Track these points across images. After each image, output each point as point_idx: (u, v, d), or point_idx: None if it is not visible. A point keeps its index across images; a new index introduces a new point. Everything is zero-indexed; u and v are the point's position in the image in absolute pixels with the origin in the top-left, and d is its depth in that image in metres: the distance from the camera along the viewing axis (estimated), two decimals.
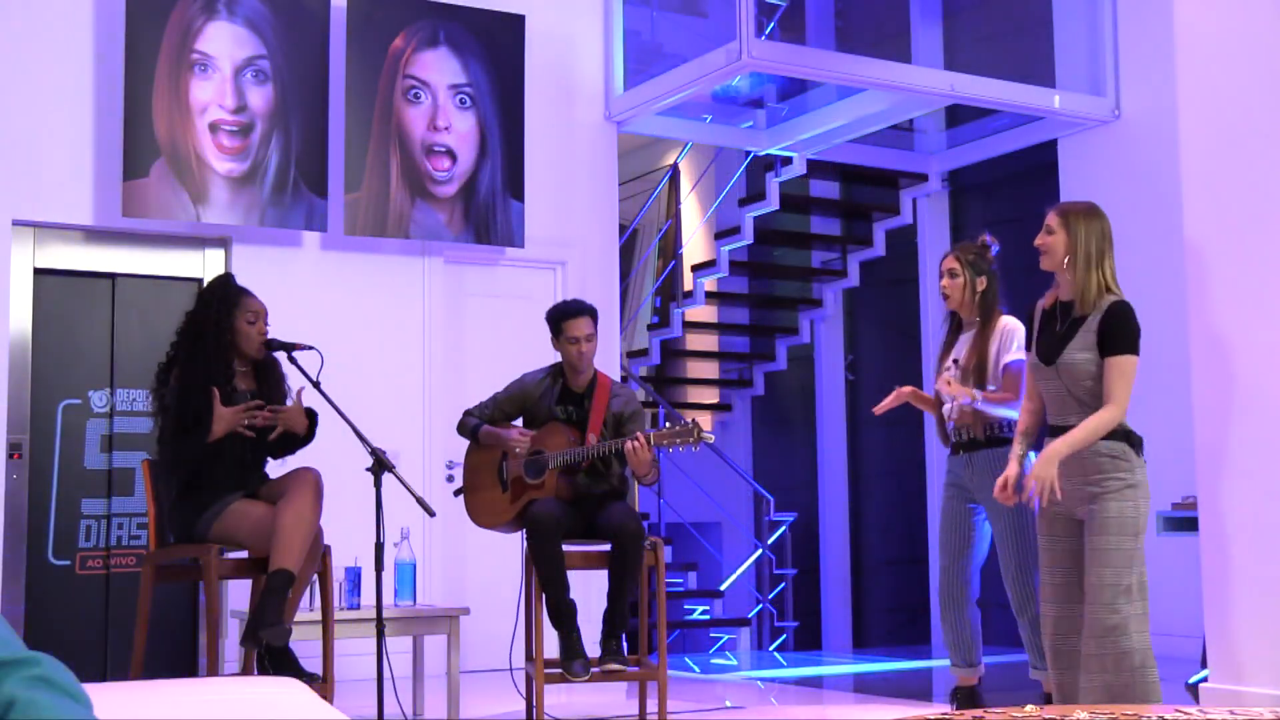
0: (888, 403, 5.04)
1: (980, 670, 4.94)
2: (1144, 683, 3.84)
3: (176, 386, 4.58)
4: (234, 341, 4.68)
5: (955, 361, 4.92)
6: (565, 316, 5.07)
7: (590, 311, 5.11)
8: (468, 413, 5.18)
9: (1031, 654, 4.79)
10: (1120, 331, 3.90)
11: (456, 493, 5.23)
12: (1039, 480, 3.89)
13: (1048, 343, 4.05)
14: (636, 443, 4.74)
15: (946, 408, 4.93)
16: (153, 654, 4.88)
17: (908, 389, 5.05)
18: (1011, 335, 4.80)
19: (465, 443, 5.25)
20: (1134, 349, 3.92)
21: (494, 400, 5.19)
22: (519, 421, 5.18)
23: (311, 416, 4.74)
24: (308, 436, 4.75)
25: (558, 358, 5.21)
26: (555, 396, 5.09)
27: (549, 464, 4.92)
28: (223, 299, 4.72)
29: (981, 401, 4.74)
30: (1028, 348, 4.19)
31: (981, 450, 4.81)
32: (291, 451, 4.80)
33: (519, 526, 5.02)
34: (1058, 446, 3.89)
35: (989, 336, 4.83)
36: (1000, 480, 4.26)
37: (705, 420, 10.01)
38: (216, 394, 4.52)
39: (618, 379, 7.43)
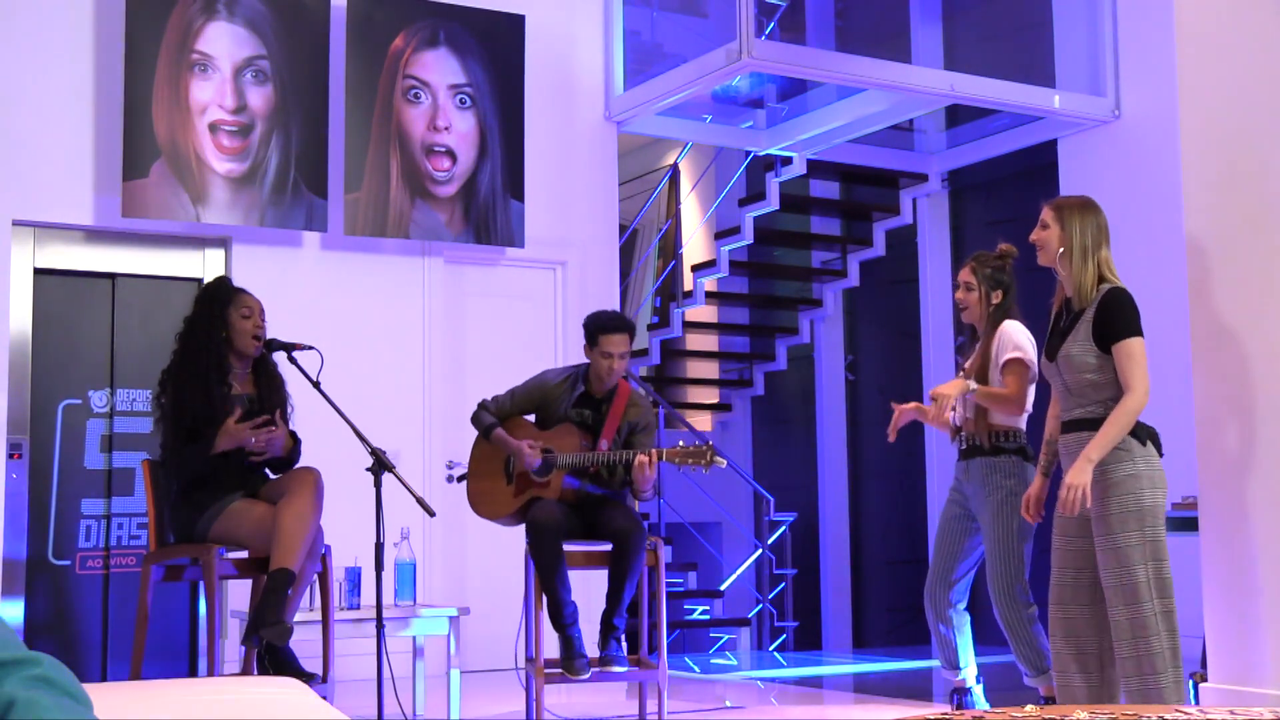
0: (896, 424, 4.93)
1: (973, 670, 4.93)
2: (1172, 684, 3.81)
3: (173, 391, 4.58)
4: (229, 338, 4.68)
5: (964, 371, 4.90)
6: (605, 330, 4.99)
7: (630, 329, 5.04)
8: (483, 406, 5.13)
9: (1021, 663, 4.78)
10: (1119, 317, 3.86)
11: (460, 478, 5.22)
12: (1072, 488, 3.80)
13: (1053, 340, 4.05)
14: (645, 458, 4.74)
15: (954, 413, 4.91)
16: (153, 654, 4.89)
17: (909, 406, 4.94)
18: (1010, 337, 4.77)
19: (466, 440, 5.24)
20: (1136, 331, 3.86)
21: (511, 394, 5.14)
22: (531, 418, 5.15)
23: (296, 441, 4.76)
24: (288, 461, 4.75)
25: (567, 359, 5.19)
26: (573, 399, 5.07)
27: (557, 463, 4.91)
28: (216, 298, 4.73)
29: (973, 393, 4.70)
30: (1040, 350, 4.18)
31: (978, 459, 4.77)
32: (273, 469, 4.80)
33: (518, 521, 5.03)
34: (1090, 452, 3.81)
35: (990, 344, 4.81)
36: (1024, 498, 4.25)
37: (705, 420, 10.02)
38: (234, 414, 4.51)
39: None
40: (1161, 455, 3.94)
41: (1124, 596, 3.82)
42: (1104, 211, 4.07)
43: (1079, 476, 3.80)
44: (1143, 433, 3.89)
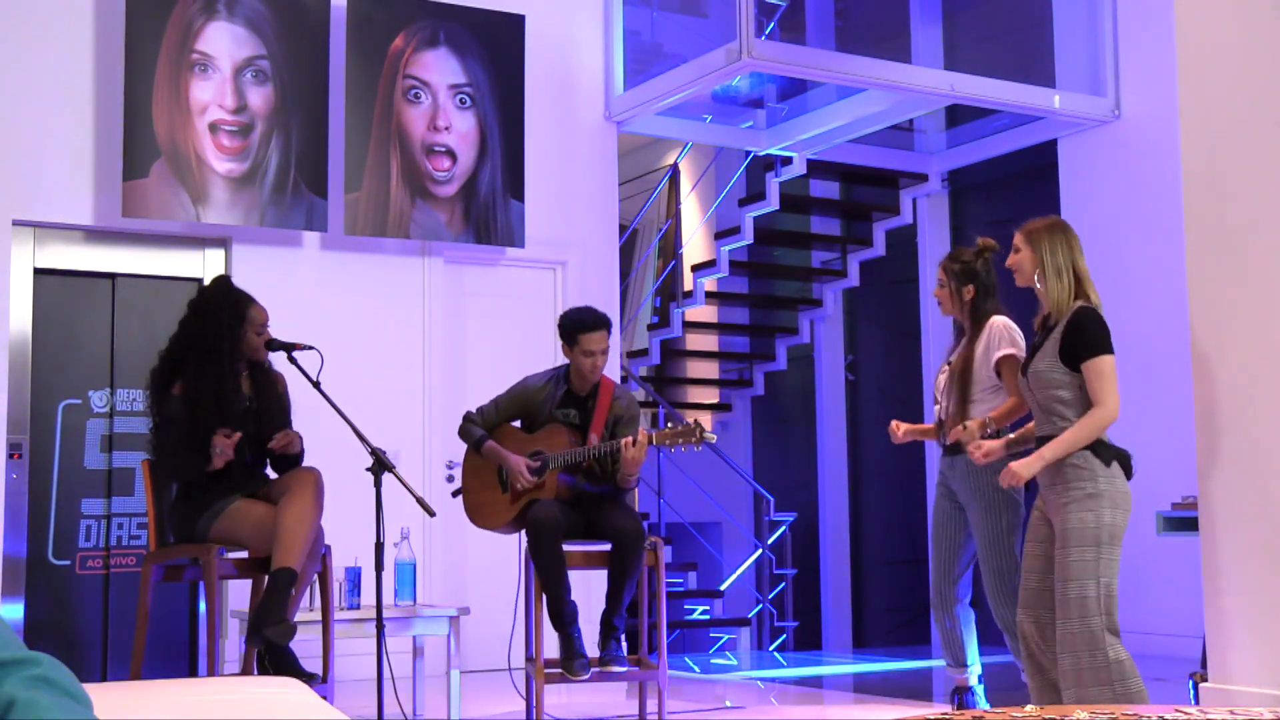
0: (900, 439, 4.94)
1: (976, 670, 4.93)
2: (1126, 694, 3.85)
3: (183, 400, 4.56)
4: (240, 350, 4.68)
5: (949, 364, 4.91)
6: (583, 329, 4.97)
7: (608, 324, 5.02)
8: (469, 418, 5.13)
9: (1019, 659, 4.79)
10: (1087, 337, 3.95)
11: (455, 493, 5.23)
12: (1014, 474, 3.98)
13: (1029, 356, 4.13)
14: (630, 440, 4.74)
15: (939, 407, 4.92)
16: (153, 654, 4.89)
17: (901, 430, 4.92)
18: (1000, 335, 4.77)
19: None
20: (1106, 349, 3.95)
21: (495, 404, 5.14)
22: (518, 423, 5.16)
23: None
24: (296, 459, 4.79)
25: (560, 360, 5.18)
26: (558, 400, 5.06)
27: (549, 464, 4.91)
28: (232, 309, 4.69)
29: (1004, 444, 4.63)
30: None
31: (963, 455, 4.75)
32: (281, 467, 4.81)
33: (518, 527, 5.02)
34: (1045, 451, 3.95)
35: (976, 340, 4.81)
36: (983, 448, 4.28)
37: (705, 420, 10.01)
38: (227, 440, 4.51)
39: (618, 380, 7.43)
40: (1130, 478, 3.98)
41: (1073, 610, 3.88)
42: (1073, 229, 4.18)
43: (1025, 470, 3.97)
44: (1108, 454, 3.95)
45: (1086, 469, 3.92)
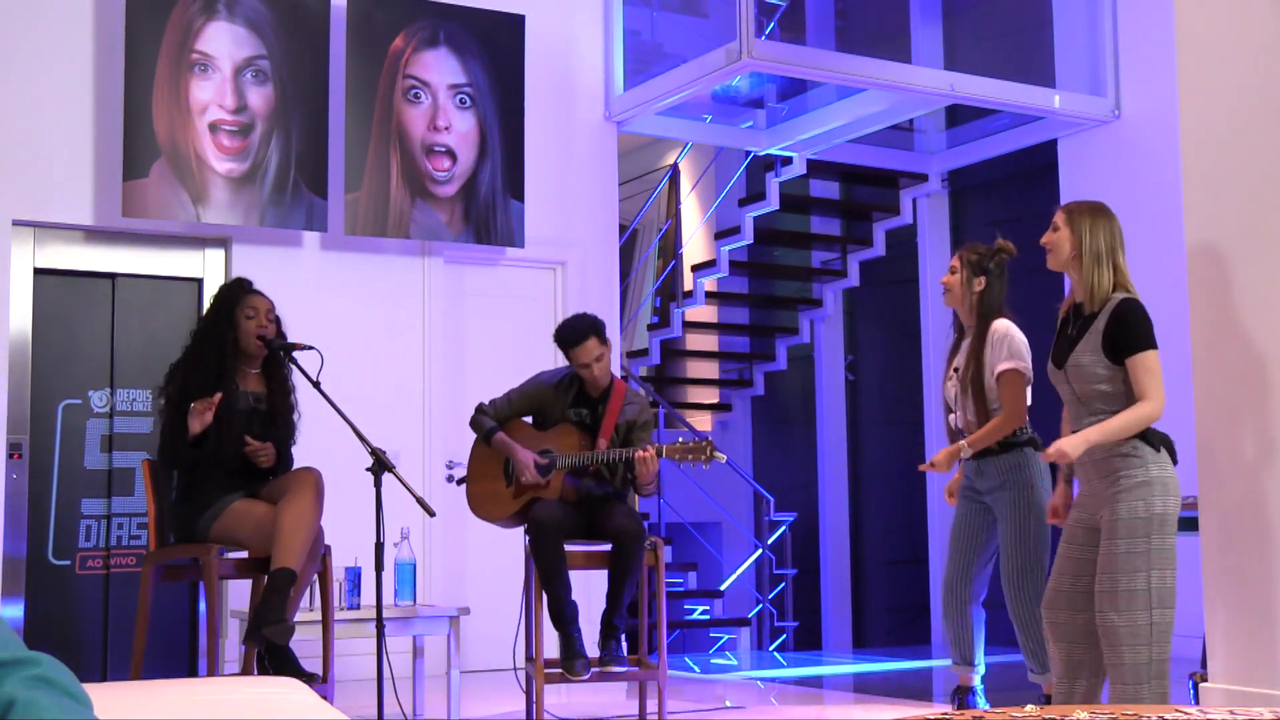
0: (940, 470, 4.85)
1: (980, 669, 4.94)
2: (1152, 697, 3.80)
3: (180, 385, 4.60)
4: (237, 339, 4.69)
5: (956, 370, 4.90)
6: (571, 344, 4.99)
7: (596, 331, 4.99)
8: (481, 409, 5.14)
9: (1028, 658, 4.79)
10: (1132, 331, 3.83)
11: (459, 481, 5.23)
12: (1061, 452, 3.78)
13: (1060, 346, 4.00)
14: (646, 453, 4.75)
15: (953, 416, 4.92)
16: (153, 654, 4.89)
17: (940, 459, 4.78)
18: (1003, 341, 4.75)
19: (466, 440, 5.25)
20: (1151, 343, 3.83)
21: (508, 398, 5.15)
22: (529, 419, 5.16)
23: (282, 457, 4.77)
24: (271, 471, 4.74)
25: (562, 360, 5.19)
26: (570, 399, 5.08)
27: (556, 464, 4.92)
28: (224, 301, 4.74)
29: (969, 450, 4.71)
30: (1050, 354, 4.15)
31: (990, 459, 4.79)
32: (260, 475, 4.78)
33: (518, 522, 5.03)
34: (1091, 434, 3.79)
35: (983, 343, 4.80)
36: (1049, 507, 4.22)
37: (705, 420, 10.02)
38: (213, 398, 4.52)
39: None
40: (1176, 463, 3.92)
41: (1119, 602, 3.80)
42: (1117, 218, 4.05)
43: (1074, 450, 3.79)
44: (1156, 439, 3.85)
45: (1137, 456, 3.81)
